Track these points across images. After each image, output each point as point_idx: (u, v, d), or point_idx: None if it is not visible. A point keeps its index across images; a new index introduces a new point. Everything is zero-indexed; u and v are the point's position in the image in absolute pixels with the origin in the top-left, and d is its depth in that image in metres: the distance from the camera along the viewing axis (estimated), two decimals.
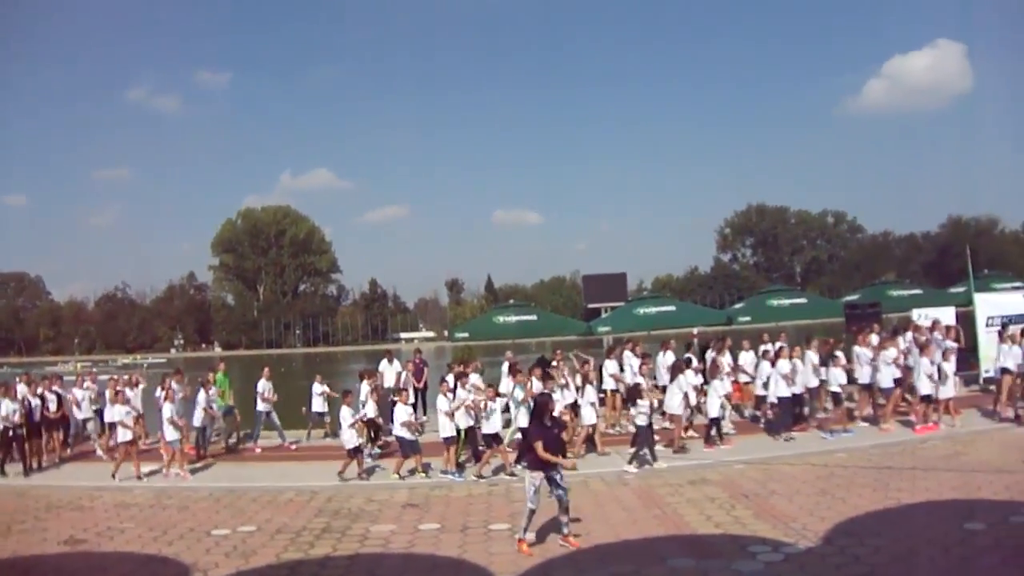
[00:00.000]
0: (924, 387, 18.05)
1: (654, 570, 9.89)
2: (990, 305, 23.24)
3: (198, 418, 18.97)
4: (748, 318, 27.15)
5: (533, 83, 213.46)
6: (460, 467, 16.36)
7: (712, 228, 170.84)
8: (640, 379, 18.27)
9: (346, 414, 16.54)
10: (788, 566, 9.78)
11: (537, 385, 16.91)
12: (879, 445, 16.94)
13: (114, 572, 10.87)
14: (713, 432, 17.75)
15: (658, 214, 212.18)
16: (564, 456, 11.91)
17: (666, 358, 20.06)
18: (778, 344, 19.94)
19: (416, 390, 20.66)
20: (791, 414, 18.43)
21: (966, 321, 23.19)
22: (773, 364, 18.61)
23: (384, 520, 13.15)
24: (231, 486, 16.14)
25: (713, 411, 17.72)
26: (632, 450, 16.25)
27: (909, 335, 20.43)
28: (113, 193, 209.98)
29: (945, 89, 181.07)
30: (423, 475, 16.01)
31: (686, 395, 17.74)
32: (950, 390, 18.18)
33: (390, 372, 21.10)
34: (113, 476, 16.85)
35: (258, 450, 20.03)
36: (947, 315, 23.22)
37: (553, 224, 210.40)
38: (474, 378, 18.03)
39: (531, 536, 11.20)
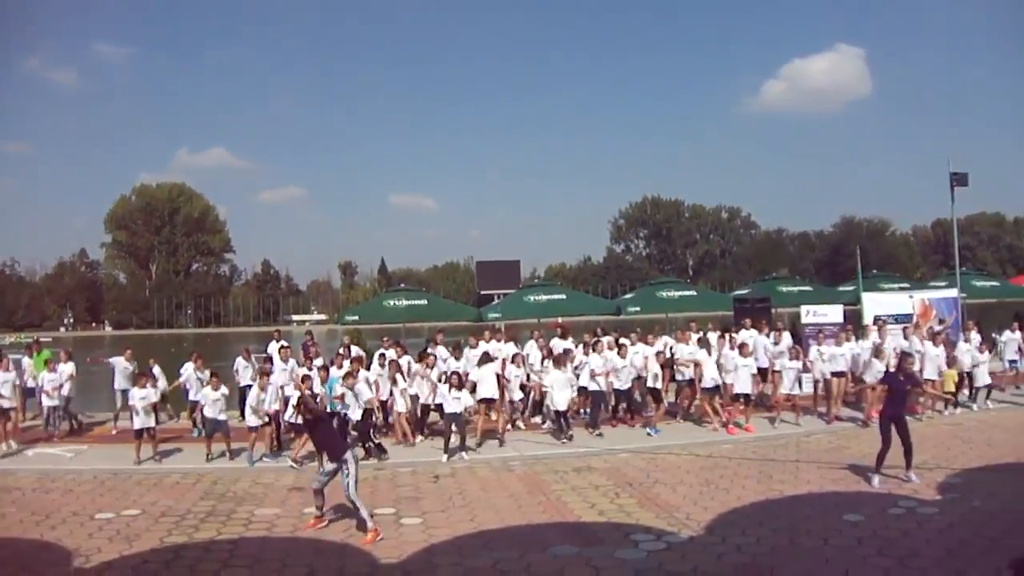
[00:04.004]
0: (738, 386, 18.50)
1: (537, 557, 10.02)
2: (877, 304, 24.13)
3: (45, 400, 19.11)
4: (637, 308, 27.55)
5: (430, 66, 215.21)
6: (275, 451, 16.82)
7: (607, 219, 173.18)
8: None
9: (137, 396, 16.51)
10: (671, 555, 10.01)
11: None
12: (764, 438, 17.55)
13: None
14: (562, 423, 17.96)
15: (554, 203, 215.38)
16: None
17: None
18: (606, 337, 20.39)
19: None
20: (602, 409, 18.81)
21: (855, 319, 24.03)
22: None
23: (269, 503, 13.14)
24: (116, 468, 15.86)
25: (560, 404, 17.83)
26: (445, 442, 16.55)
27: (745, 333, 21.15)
28: (3, 166, 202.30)
29: (843, 92, 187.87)
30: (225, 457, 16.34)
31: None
32: (786, 387, 18.80)
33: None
34: None
35: (114, 431, 19.64)
36: (835, 313, 24.00)
37: (449, 210, 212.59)
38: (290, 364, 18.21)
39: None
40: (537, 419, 19.84)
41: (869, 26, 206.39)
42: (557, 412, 17.84)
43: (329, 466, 11.45)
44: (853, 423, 18.62)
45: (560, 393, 17.72)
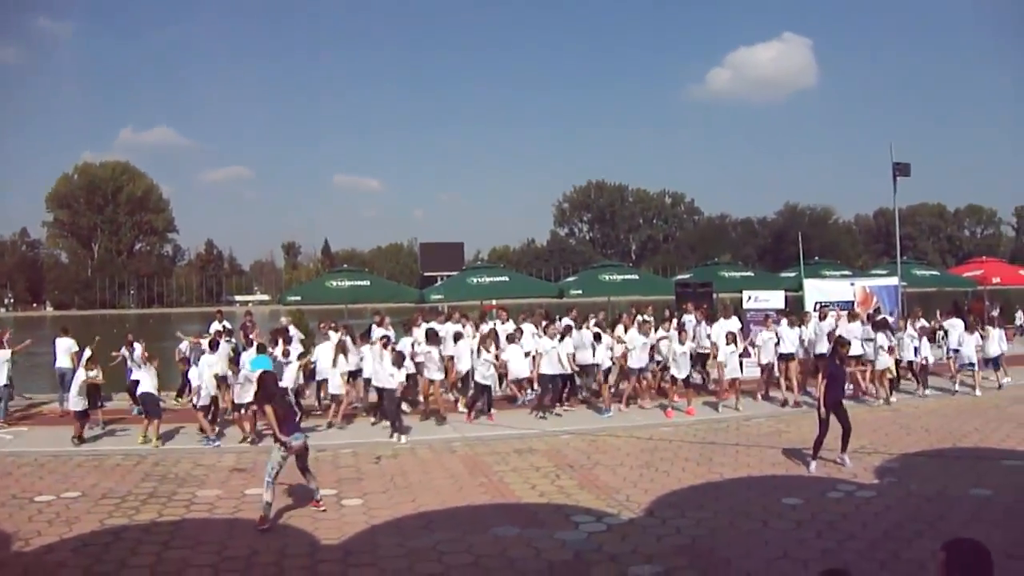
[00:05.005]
0: (675, 370, 18.68)
1: (478, 538, 10.08)
2: (818, 291, 24.49)
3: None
4: (580, 291, 27.64)
5: (375, 49, 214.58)
6: (219, 434, 16.59)
7: (551, 202, 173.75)
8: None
9: (81, 377, 16.46)
10: (611, 536, 10.13)
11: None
12: (704, 421, 17.80)
13: None
14: (480, 403, 18.24)
15: (498, 186, 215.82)
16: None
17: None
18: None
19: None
20: (552, 391, 18.73)
21: (796, 305, 24.36)
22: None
23: (211, 485, 13.09)
24: (56, 451, 15.67)
25: (485, 380, 18.12)
26: (391, 423, 16.62)
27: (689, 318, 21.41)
28: None
29: (789, 81, 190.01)
30: (157, 442, 15.99)
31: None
32: (733, 371, 19.00)
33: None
34: None
35: (60, 413, 19.23)
36: (777, 298, 24.30)
37: (393, 191, 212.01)
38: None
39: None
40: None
41: (816, 15, 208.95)
42: (483, 387, 18.15)
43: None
44: (802, 407, 18.92)
45: (483, 370, 18.08)
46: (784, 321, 20.60)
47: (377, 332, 19.33)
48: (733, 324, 20.42)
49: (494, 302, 26.57)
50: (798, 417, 17.97)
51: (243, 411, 16.18)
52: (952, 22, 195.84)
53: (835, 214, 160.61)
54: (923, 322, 21.84)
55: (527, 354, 19.29)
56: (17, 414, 19.48)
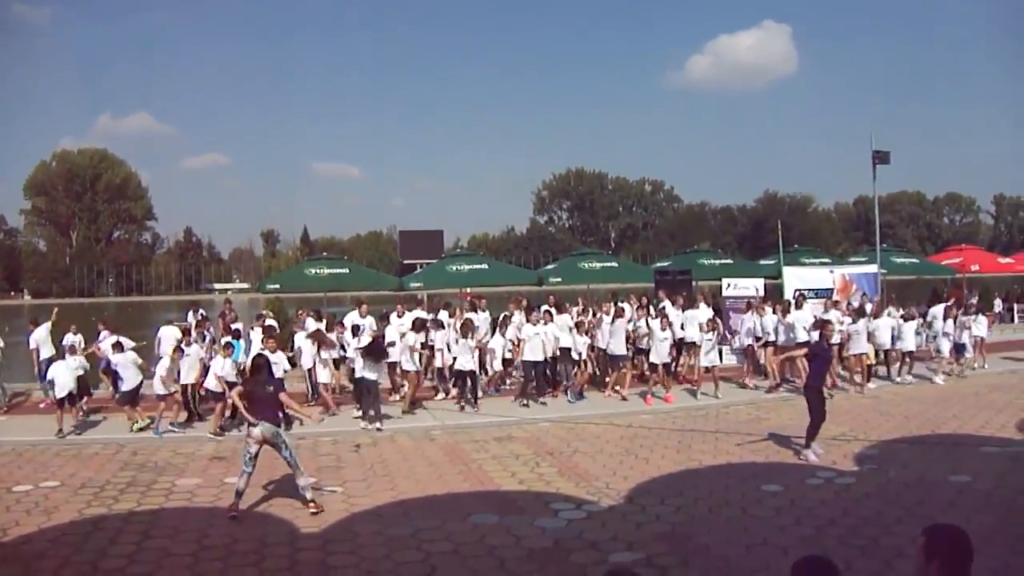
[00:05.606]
0: (652, 356, 18.76)
1: (458, 526, 10.08)
2: (797, 278, 24.57)
3: None
4: (559, 279, 27.70)
5: (354, 36, 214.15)
6: (188, 422, 16.58)
7: (530, 190, 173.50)
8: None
9: (64, 365, 16.36)
10: (590, 523, 10.14)
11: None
12: (684, 408, 17.87)
13: None
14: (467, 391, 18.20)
15: (478, 174, 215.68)
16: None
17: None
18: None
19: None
20: (536, 378, 18.72)
21: (775, 293, 24.42)
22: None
23: (190, 473, 13.06)
24: (35, 440, 15.59)
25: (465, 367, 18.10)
26: (364, 410, 16.63)
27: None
28: None
29: (768, 69, 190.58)
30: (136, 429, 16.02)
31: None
32: (712, 359, 18.98)
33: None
34: None
35: (42, 404, 19.16)
36: (756, 286, 24.37)
37: (372, 179, 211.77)
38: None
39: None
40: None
41: (796, 3, 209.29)
42: (460, 373, 18.10)
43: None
44: (781, 393, 19.02)
45: (463, 359, 17.95)
46: (768, 308, 20.62)
47: (349, 320, 19.41)
48: (707, 312, 20.47)
49: (468, 290, 26.57)
50: (777, 404, 18.07)
51: (224, 400, 16.10)
52: (932, 9, 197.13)
53: (814, 202, 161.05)
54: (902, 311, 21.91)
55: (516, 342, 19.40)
56: None
